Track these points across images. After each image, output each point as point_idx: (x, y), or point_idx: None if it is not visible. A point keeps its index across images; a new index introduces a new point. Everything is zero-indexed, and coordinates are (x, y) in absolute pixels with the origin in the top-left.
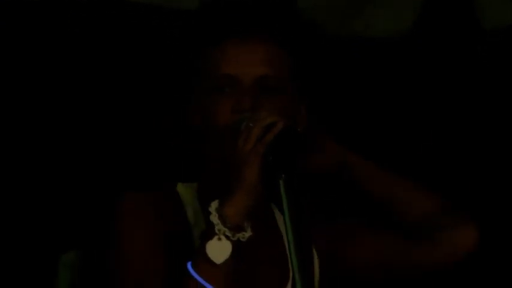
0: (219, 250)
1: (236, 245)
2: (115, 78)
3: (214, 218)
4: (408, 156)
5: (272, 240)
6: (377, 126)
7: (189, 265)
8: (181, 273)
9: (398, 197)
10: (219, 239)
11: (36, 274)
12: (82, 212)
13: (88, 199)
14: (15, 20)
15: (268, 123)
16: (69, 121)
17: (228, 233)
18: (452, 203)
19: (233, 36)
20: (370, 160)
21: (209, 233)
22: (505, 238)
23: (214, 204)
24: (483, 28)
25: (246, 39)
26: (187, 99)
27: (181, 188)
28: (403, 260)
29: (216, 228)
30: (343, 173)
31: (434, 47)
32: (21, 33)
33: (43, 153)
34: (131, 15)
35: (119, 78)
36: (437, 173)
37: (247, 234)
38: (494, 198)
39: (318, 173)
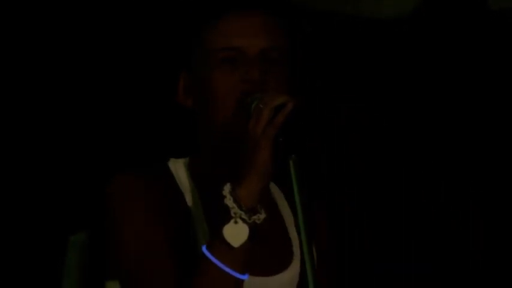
0: (236, 233)
1: (252, 227)
2: (111, 57)
3: (229, 202)
4: (413, 147)
5: (272, 217)
6: (383, 109)
7: (204, 248)
8: (182, 247)
9: None
10: (236, 222)
11: (45, 256)
12: (89, 193)
13: (92, 181)
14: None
15: (278, 105)
16: (67, 108)
17: (244, 216)
18: None
19: (233, 10)
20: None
21: (225, 216)
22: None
23: (227, 188)
24: (490, 9)
25: (246, 12)
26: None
27: (173, 164)
28: None
29: (232, 211)
30: None
31: (440, 28)
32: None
33: (48, 137)
34: None
35: (114, 57)
36: (442, 159)
37: (262, 216)
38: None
39: None
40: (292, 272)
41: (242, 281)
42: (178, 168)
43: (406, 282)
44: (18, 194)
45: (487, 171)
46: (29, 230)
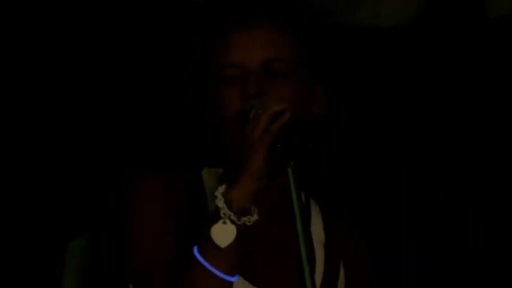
0: (223, 234)
1: (242, 229)
2: (126, 71)
3: (219, 202)
4: (413, 147)
5: (286, 223)
6: (383, 109)
7: (195, 249)
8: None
9: None
10: (224, 222)
11: (45, 262)
12: (91, 199)
13: (98, 187)
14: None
15: (275, 112)
16: (84, 112)
17: (233, 217)
18: None
19: (236, 26)
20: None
21: (215, 217)
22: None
23: (221, 189)
24: (489, 17)
25: (248, 27)
26: (198, 95)
27: (205, 173)
28: None
29: (221, 212)
30: None
31: (440, 36)
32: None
33: (57, 140)
34: (136, 9)
35: (128, 72)
36: (441, 159)
37: (253, 218)
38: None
39: None
40: None
41: (231, 283)
42: (210, 177)
43: (406, 282)
44: (19, 196)
45: (487, 171)
46: (29, 232)
